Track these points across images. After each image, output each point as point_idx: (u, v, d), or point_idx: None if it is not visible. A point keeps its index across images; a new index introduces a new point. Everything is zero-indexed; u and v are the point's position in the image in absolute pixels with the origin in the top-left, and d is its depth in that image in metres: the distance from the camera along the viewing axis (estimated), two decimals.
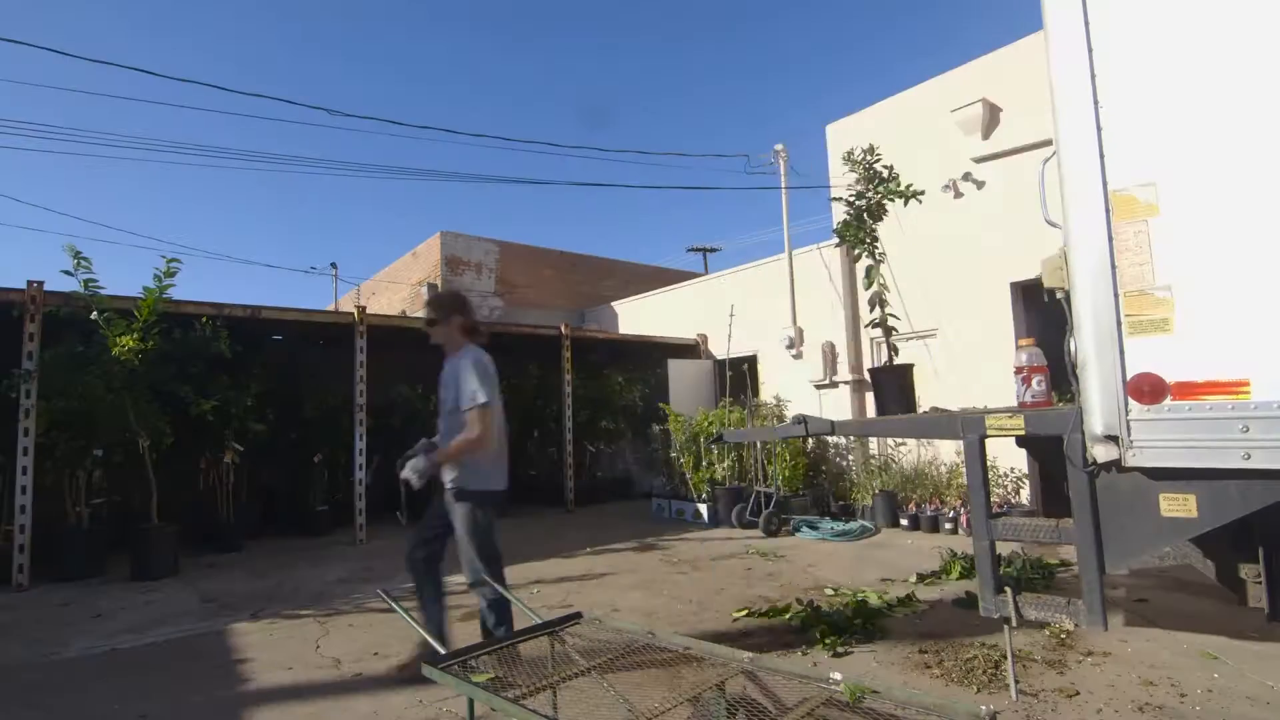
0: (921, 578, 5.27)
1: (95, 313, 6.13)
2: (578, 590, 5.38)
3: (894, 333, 5.87)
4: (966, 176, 8.15)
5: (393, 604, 2.74)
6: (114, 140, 25.95)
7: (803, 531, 7.46)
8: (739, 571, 5.86)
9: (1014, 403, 3.32)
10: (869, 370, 8.35)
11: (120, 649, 4.27)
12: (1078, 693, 3.14)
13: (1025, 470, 7.26)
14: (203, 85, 8.60)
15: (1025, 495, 7.36)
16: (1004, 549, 5.25)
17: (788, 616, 4.39)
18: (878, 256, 5.80)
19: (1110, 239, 2.41)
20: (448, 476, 3.29)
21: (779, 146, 10.31)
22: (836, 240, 6.58)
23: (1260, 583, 2.87)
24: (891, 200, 5.79)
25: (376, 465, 9.52)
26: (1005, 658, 3.17)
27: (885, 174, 5.90)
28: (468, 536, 3.23)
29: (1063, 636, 3.84)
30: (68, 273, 6.16)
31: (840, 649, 3.82)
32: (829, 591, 5.01)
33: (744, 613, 4.57)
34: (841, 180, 9.61)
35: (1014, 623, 2.82)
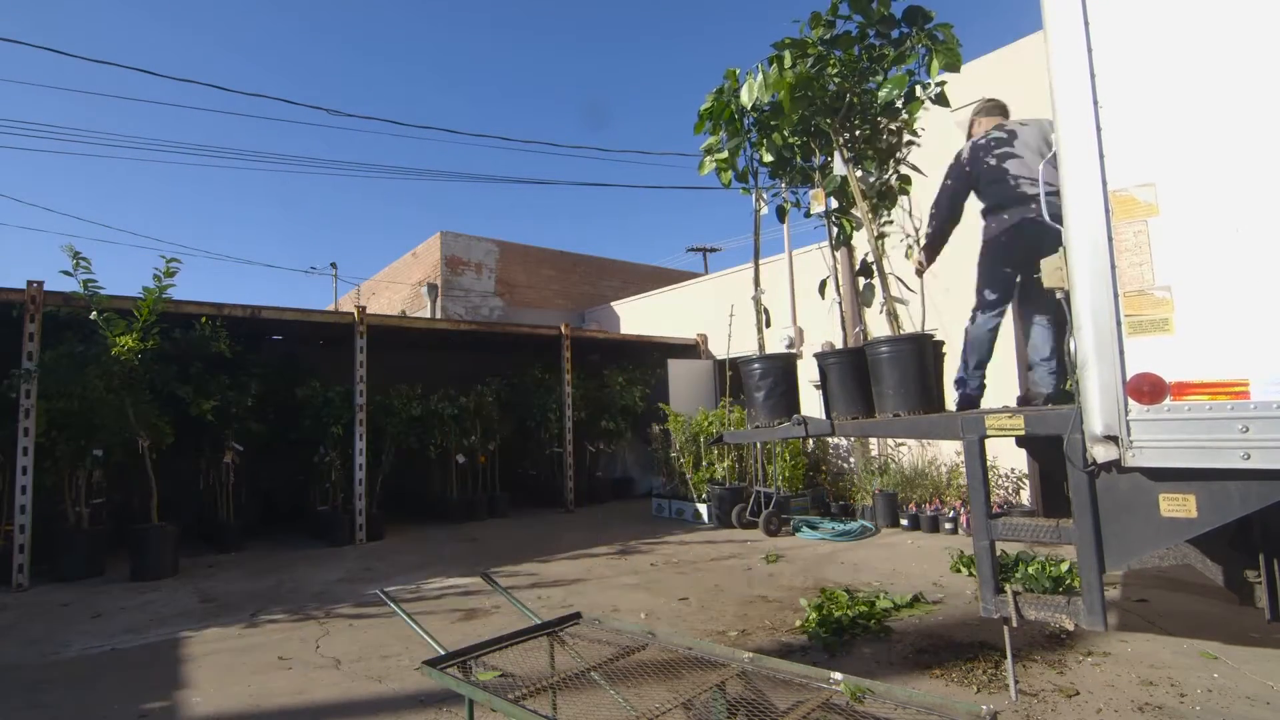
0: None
1: (95, 313, 6.13)
2: (578, 590, 5.38)
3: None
4: None
5: (392, 604, 2.74)
6: (114, 140, 25.96)
7: (803, 532, 7.46)
8: (739, 571, 5.86)
9: (1012, 402, 3.32)
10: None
11: (120, 649, 4.27)
12: (1078, 693, 3.14)
13: (1025, 470, 7.26)
14: (203, 85, 8.59)
15: (1025, 495, 7.36)
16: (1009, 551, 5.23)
17: (799, 625, 4.26)
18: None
19: (1110, 239, 2.41)
20: None
21: None
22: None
23: (1260, 583, 2.87)
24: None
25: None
26: (1005, 658, 3.17)
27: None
28: None
29: (1063, 636, 3.84)
30: (67, 273, 6.17)
31: (840, 649, 3.82)
32: (828, 591, 5.01)
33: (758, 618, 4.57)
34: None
35: (1014, 623, 2.82)
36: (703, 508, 8.68)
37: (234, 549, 7.57)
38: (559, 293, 15.33)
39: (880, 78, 3.84)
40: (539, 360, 10.87)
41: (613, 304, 14.31)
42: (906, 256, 4.32)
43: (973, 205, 4.19)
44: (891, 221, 4.31)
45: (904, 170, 4.40)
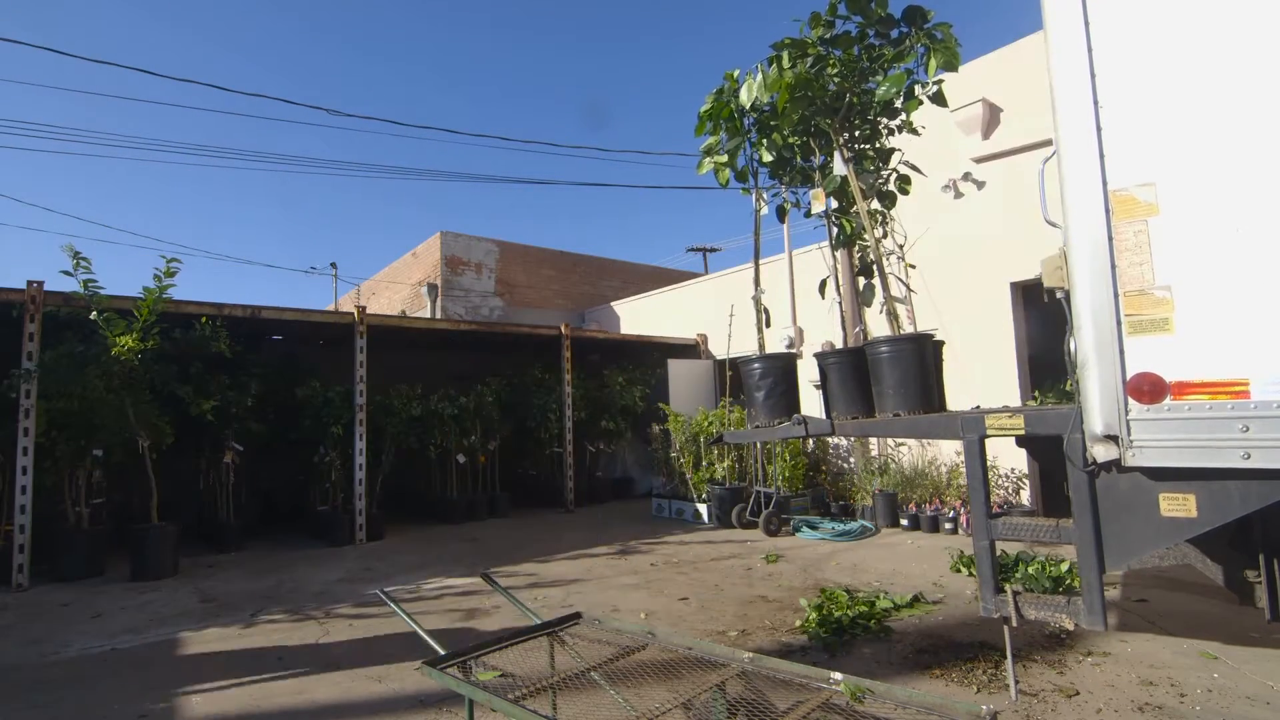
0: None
1: (95, 313, 6.13)
2: (578, 590, 5.38)
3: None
4: (966, 176, 8.12)
5: (392, 604, 2.74)
6: (114, 140, 25.96)
7: (803, 532, 7.46)
8: (739, 571, 5.86)
9: (1014, 401, 3.31)
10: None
11: (120, 649, 4.27)
12: (1078, 693, 3.14)
13: (1025, 470, 7.26)
14: (203, 85, 8.59)
15: (1025, 495, 7.35)
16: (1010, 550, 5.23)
17: (799, 625, 4.27)
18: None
19: (1110, 239, 2.41)
20: None
21: None
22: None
23: (1260, 582, 2.87)
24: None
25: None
26: (1005, 658, 3.17)
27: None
28: None
29: (1063, 636, 3.84)
30: (67, 273, 6.17)
31: (840, 649, 3.82)
32: (828, 591, 5.01)
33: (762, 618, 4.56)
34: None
35: (1014, 623, 2.82)
36: (703, 508, 8.68)
37: (234, 549, 7.57)
38: (559, 293, 15.33)
39: (880, 77, 3.84)
40: (539, 360, 10.88)
41: (613, 304, 14.31)
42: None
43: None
44: (893, 220, 4.31)
45: (903, 170, 4.40)
